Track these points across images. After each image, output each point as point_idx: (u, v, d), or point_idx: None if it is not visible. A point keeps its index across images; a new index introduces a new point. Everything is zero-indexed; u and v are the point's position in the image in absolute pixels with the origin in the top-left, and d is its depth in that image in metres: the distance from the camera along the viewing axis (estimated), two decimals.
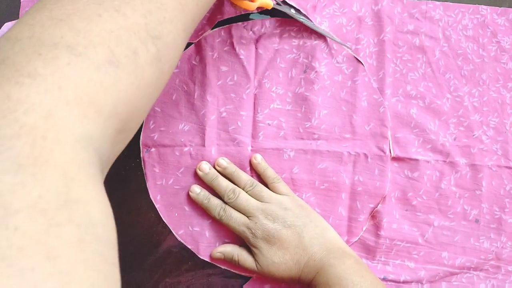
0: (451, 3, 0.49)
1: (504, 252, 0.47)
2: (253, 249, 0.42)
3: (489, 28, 0.50)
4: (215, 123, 0.46)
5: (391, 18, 0.48)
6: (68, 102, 0.20)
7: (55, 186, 0.18)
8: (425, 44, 0.48)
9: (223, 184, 0.44)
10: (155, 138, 0.45)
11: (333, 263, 0.39)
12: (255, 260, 0.42)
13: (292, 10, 0.45)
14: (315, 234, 0.42)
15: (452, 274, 0.46)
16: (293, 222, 0.42)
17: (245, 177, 0.44)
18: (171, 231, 0.45)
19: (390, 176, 0.46)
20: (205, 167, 0.44)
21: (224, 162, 0.45)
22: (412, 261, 0.46)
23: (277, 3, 0.44)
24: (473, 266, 0.47)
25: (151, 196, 0.45)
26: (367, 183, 0.46)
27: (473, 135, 0.48)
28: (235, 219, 0.42)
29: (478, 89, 0.49)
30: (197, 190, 0.44)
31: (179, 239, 0.45)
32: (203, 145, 0.45)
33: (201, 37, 0.46)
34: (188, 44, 0.46)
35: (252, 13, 0.47)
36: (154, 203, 0.45)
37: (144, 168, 0.45)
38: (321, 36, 0.47)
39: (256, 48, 0.47)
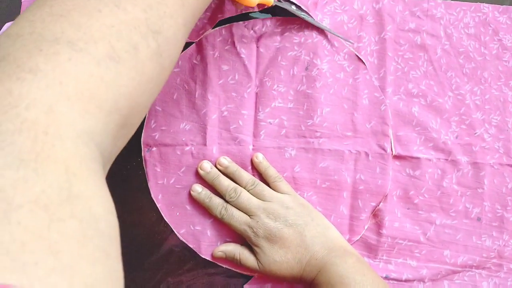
0: (452, 1, 0.49)
1: (506, 250, 0.47)
2: (255, 248, 0.42)
3: (490, 26, 0.50)
4: (216, 122, 0.46)
5: (392, 17, 0.48)
6: (69, 97, 0.20)
7: (57, 181, 0.18)
8: (427, 42, 0.48)
9: (225, 183, 0.44)
10: (156, 137, 0.45)
11: (335, 262, 0.39)
12: (257, 259, 0.42)
13: (293, 7, 0.45)
14: (317, 232, 0.42)
15: (454, 272, 0.46)
16: (295, 221, 0.42)
17: (246, 176, 0.44)
18: (172, 231, 0.45)
19: (391, 174, 0.46)
20: (207, 166, 0.44)
21: (225, 161, 0.44)
22: (414, 260, 0.46)
23: (278, 0, 0.44)
24: (475, 264, 0.46)
25: (152, 195, 0.45)
26: (369, 181, 0.46)
27: (475, 133, 0.48)
28: (237, 218, 0.42)
29: (480, 87, 0.49)
30: (198, 189, 0.44)
31: (180, 238, 0.45)
32: (205, 144, 0.45)
33: (202, 36, 0.46)
34: (189, 43, 0.46)
35: (253, 12, 0.47)
36: (156, 203, 0.45)
37: (145, 167, 0.45)
38: (322, 33, 0.47)
39: (257, 47, 0.47)
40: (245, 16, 0.47)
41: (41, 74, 0.20)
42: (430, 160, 0.47)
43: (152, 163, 0.45)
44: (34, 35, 0.21)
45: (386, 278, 0.45)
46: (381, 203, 0.46)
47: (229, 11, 0.46)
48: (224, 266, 0.45)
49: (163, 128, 0.45)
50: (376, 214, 0.46)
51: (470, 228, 0.47)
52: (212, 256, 0.44)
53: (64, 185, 0.18)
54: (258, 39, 0.47)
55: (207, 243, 0.45)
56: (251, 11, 0.47)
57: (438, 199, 0.47)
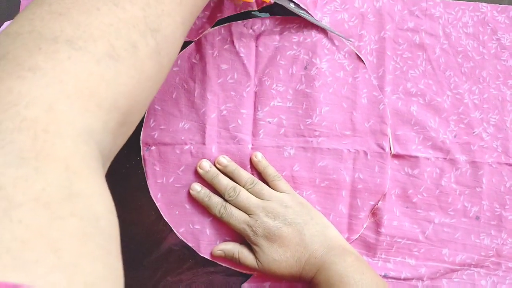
0: (451, 1, 0.50)
1: (504, 249, 0.47)
2: (254, 246, 0.42)
3: (489, 26, 0.50)
4: (215, 121, 0.46)
5: (392, 16, 0.48)
6: (69, 95, 0.20)
7: (58, 180, 0.18)
8: (425, 42, 0.49)
9: (224, 182, 0.44)
10: (155, 136, 0.45)
11: (333, 261, 0.39)
12: (256, 257, 0.42)
13: (292, 5, 0.45)
14: (316, 231, 0.42)
15: (452, 271, 0.46)
16: (294, 220, 0.42)
17: (245, 175, 0.44)
18: (171, 229, 0.45)
19: (390, 173, 0.46)
20: (206, 165, 0.44)
21: (224, 160, 0.45)
22: (412, 258, 0.46)
23: None
24: (473, 263, 0.47)
25: (151, 194, 0.45)
26: (368, 180, 0.46)
27: (474, 132, 0.48)
28: (236, 216, 0.42)
29: (479, 86, 0.49)
30: (197, 188, 0.44)
31: (180, 237, 0.45)
32: (204, 143, 0.45)
33: (201, 35, 0.46)
34: (188, 43, 0.46)
35: (252, 10, 0.47)
36: (155, 201, 0.45)
37: (145, 166, 0.45)
38: (321, 32, 0.47)
39: (256, 46, 0.47)
40: (244, 15, 0.47)
41: (41, 72, 0.20)
42: (428, 159, 0.47)
43: (151, 162, 0.45)
44: (33, 33, 0.21)
45: (385, 276, 0.45)
46: (379, 202, 0.46)
47: (228, 10, 0.46)
48: (223, 264, 0.45)
49: (162, 127, 0.45)
50: (374, 213, 0.46)
51: (469, 226, 0.47)
52: (211, 255, 0.44)
53: (64, 183, 0.18)
54: (257, 38, 0.47)
55: (206, 242, 0.45)
56: (250, 9, 0.47)
57: (437, 198, 0.47)
